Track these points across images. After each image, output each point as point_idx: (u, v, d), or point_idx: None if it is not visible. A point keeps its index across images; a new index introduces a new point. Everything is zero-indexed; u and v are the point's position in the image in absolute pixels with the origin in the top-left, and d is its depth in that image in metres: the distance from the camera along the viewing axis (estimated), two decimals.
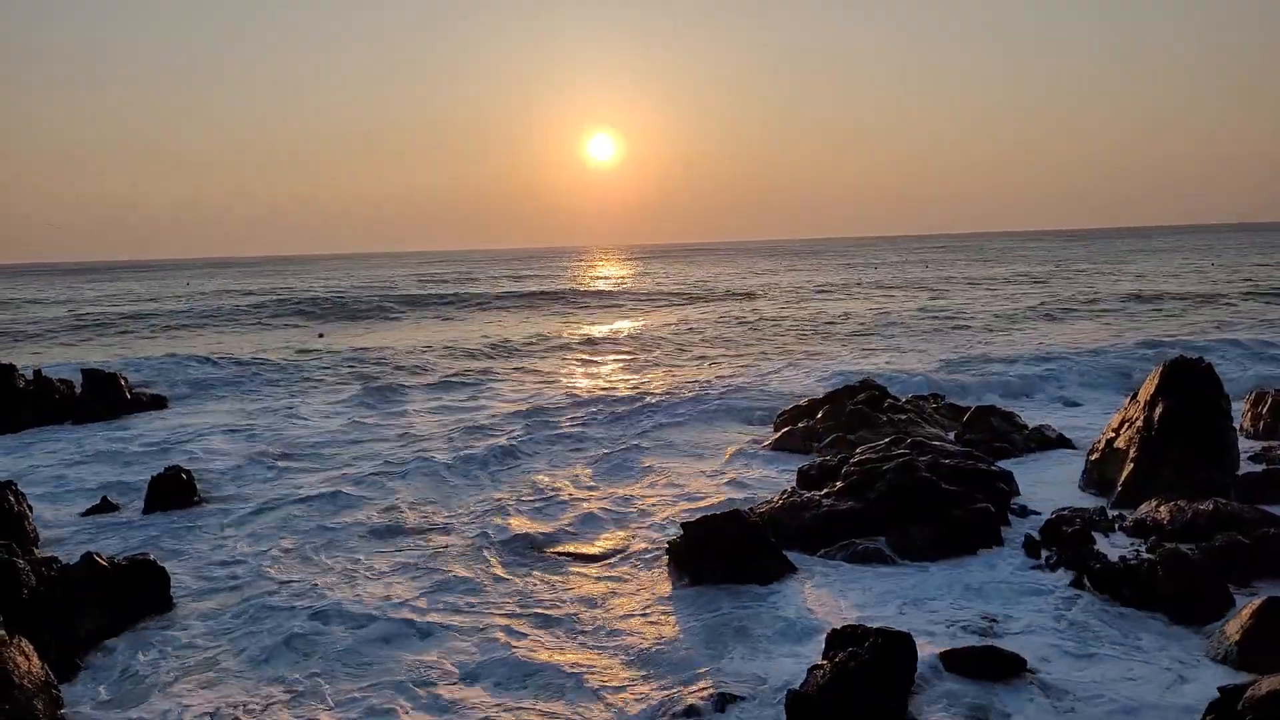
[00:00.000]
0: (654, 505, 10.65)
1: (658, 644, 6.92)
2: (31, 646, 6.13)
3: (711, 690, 6.05)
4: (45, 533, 10.07)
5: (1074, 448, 12.51)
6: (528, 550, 9.26)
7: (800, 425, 13.58)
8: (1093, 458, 10.73)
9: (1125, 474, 9.88)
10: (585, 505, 10.64)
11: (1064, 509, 9.89)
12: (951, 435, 12.98)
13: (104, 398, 17.51)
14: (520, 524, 10.00)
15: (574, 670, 6.58)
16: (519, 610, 7.73)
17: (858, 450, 10.63)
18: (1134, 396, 10.61)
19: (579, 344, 27.96)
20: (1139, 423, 10.08)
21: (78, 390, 17.59)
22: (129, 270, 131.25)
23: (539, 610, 7.70)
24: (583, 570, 8.68)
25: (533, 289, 52.71)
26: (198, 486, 11.49)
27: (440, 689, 6.39)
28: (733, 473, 12.06)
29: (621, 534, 9.65)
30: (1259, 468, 10.51)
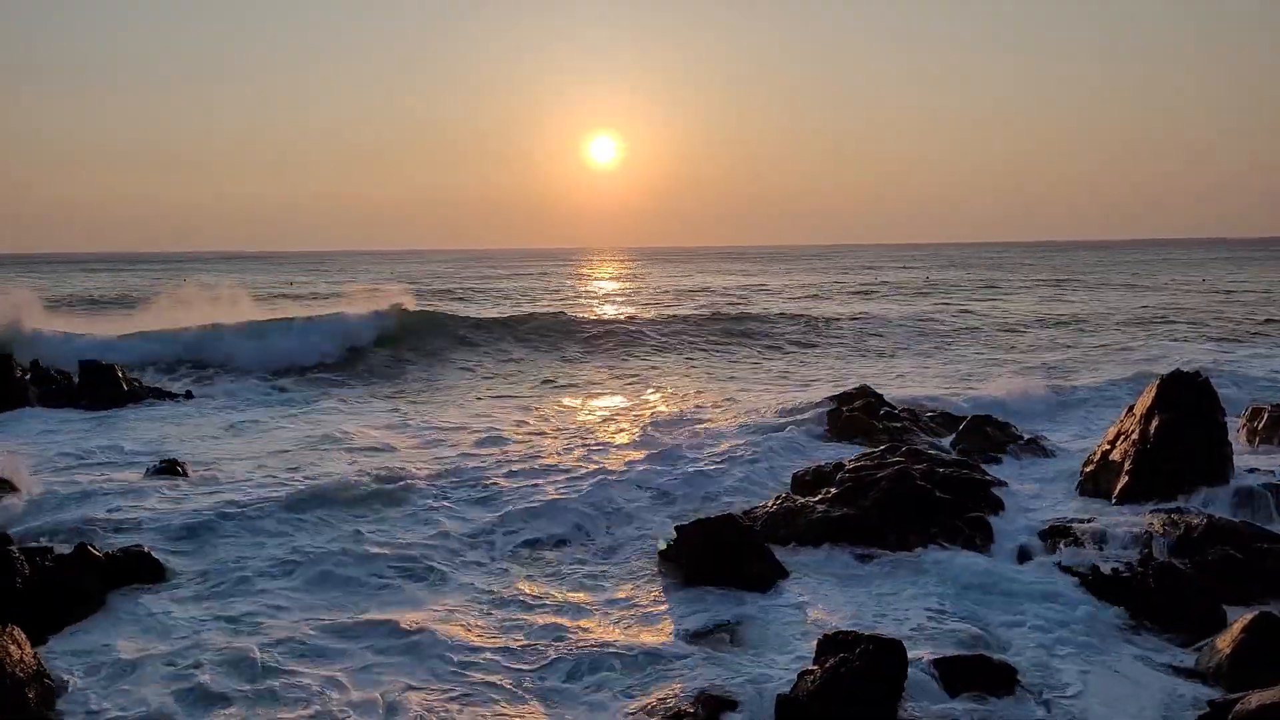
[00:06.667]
0: (646, 508, 10.63)
1: (647, 647, 6.91)
2: (24, 635, 6.12)
3: (701, 694, 6.05)
4: (40, 522, 10.04)
5: (1069, 459, 12.50)
6: (512, 550, 9.20)
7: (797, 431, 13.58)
8: (1088, 469, 10.75)
9: (1120, 486, 9.89)
10: (574, 507, 10.61)
11: (1057, 520, 9.90)
12: (946, 444, 12.98)
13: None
14: (498, 523, 9.93)
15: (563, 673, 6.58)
16: (503, 613, 7.68)
17: (852, 457, 10.65)
18: (1130, 409, 10.63)
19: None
20: (1135, 435, 10.09)
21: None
22: (148, 262, 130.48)
23: (527, 614, 7.65)
24: (573, 571, 8.65)
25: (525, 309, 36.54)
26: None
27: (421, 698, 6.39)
28: (727, 478, 12.02)
29: (613, 535, 9.63)
30: (1254, 483, 10.51)
